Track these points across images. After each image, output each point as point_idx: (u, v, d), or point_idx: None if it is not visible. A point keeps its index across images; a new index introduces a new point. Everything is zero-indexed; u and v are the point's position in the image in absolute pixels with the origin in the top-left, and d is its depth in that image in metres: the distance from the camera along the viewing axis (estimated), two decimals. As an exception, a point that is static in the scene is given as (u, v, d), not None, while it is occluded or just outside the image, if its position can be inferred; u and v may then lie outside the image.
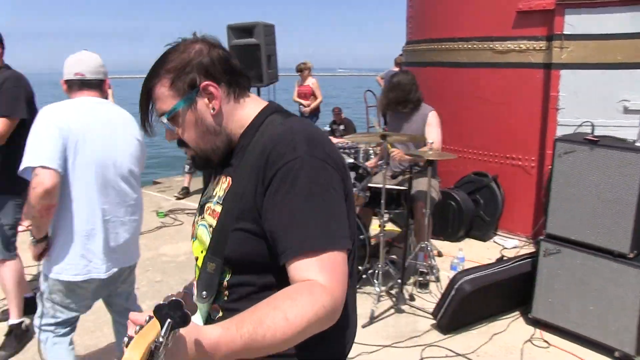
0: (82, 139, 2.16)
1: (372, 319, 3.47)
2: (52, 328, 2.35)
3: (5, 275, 3.19)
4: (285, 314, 0.92)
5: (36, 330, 2.39)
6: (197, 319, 1.20)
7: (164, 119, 1.18)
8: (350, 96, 33.11)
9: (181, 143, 1.22)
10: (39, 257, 2.25)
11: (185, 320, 0.77)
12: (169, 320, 0.76)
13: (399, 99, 4.30)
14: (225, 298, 1.16)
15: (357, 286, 3.78)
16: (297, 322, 0.92)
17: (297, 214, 1.02)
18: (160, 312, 0.76)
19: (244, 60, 6.29)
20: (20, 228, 3.31)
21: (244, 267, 1.13)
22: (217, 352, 0.87)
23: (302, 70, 8.58)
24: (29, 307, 3.48)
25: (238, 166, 1.17)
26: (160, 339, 0.75)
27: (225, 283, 1.16)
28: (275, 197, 1.05)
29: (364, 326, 3.40)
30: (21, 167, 2.10)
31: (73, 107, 2.24)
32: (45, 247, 2.23)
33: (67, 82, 2.31)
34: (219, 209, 1.17)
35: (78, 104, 2.27)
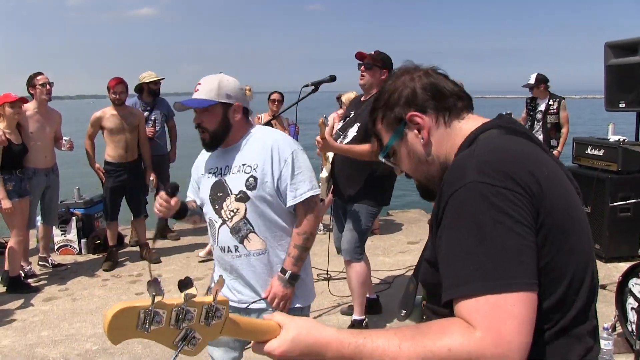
0: None
1: None
2: None
3: (352, 276, 3.56)
4: (401, 342, 0.91)
5: None
6: None
7: (381, 157, 1.22)
8: None
9: (408, 175, 1.24)
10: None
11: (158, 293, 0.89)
12: (153, 294, 0.89)
13: None
14: (424, 319, 1.16)
15: None
16: (407, 353, 0.89)
17: (455, 252, 0.93)
18: (148, 287, 0.89)
19: (622, 81, 5.43)
20: None
21: (432, 295, 1.10)
22: (327, 351, 0.97)
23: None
24: (371, 307, 3.82)
25: None
26: (150, 308, 0.89)
27: (423, 305, 1.16)
28: (442, 231, 0.98)
29: None
30: (308, 195, 2.08)
31: None
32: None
33: None
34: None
35: None
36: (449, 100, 1.14)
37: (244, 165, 2.06)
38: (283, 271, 2.08)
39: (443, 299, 0.94)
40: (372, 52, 3.53)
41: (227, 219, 2.07)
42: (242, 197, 2.04)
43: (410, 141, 1.16)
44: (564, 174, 1.06)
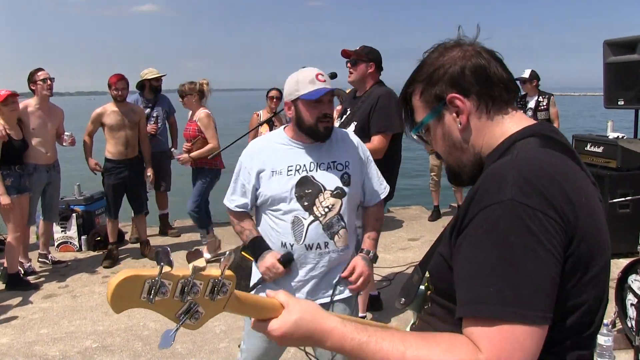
0: None
1: None
2: None
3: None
4: (406, 349, 0.90)
5: None
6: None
7: (413, 134, 1.15)
8: None
9: (439, 155, 1.18)
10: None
11: (169, 264, 0.88)
12: (161, 263, 0.88)
13: None
14: (425, 309, 1.15)
15: None
16: None
17: (477, 268, 0.89)
18: (157, 257, 0.89)
19: (621, 79, 5.43)
20: None
21: (439, 289, 1.08)
22: (327, 340, 0.96)
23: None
24: (372, 304, 3.83)
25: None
26: (156, 278, 0.87)
27: (427, 295, 1.15)
28: (466, 240, 0.93)
29: None
30: (388, 188, 2.33)
31: None
32: None
33: None
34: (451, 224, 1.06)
35: None
36: (495, 89, 1.05)
37: (334, 162, 2.11)
38: (367, 252, 2.20)
39: (457, 315, 0.92)
40: (357, 48, 3.53)
41: (320, 215, 2.04)
42: (339, 193, 2.08)
43: (447, 123, 1.08)
44: (596, 195, 1.01)
